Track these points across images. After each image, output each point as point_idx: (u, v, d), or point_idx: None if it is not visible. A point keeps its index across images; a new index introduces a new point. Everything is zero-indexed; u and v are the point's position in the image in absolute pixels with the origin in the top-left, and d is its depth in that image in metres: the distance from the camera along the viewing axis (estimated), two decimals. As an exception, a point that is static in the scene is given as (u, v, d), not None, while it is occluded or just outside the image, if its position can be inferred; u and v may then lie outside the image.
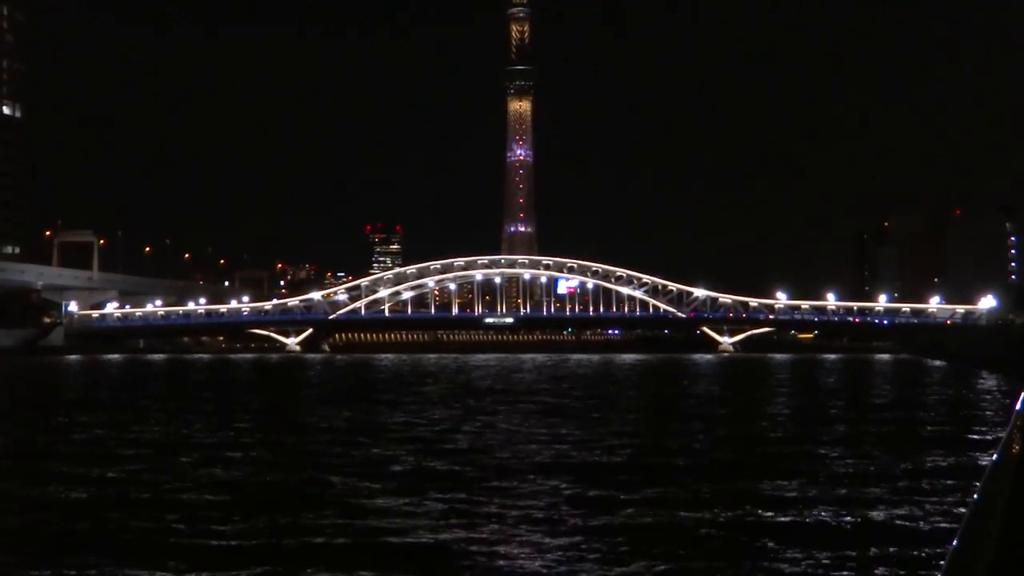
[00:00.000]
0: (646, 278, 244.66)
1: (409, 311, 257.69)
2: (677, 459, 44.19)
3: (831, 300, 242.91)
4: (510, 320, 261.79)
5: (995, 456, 7.64)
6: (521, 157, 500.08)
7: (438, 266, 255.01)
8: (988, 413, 69.21)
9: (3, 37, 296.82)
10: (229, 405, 76.80)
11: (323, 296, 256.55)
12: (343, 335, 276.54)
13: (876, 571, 24.53)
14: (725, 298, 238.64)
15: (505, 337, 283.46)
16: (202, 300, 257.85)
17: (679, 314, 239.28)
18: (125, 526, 29.67)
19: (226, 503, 33.22)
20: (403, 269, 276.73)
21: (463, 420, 63.10)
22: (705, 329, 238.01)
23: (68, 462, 43.57)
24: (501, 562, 25.15)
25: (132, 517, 30.85)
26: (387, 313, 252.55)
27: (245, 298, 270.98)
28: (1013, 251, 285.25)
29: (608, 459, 44.29)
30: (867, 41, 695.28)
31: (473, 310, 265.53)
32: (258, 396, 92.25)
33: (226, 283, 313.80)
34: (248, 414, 69.44)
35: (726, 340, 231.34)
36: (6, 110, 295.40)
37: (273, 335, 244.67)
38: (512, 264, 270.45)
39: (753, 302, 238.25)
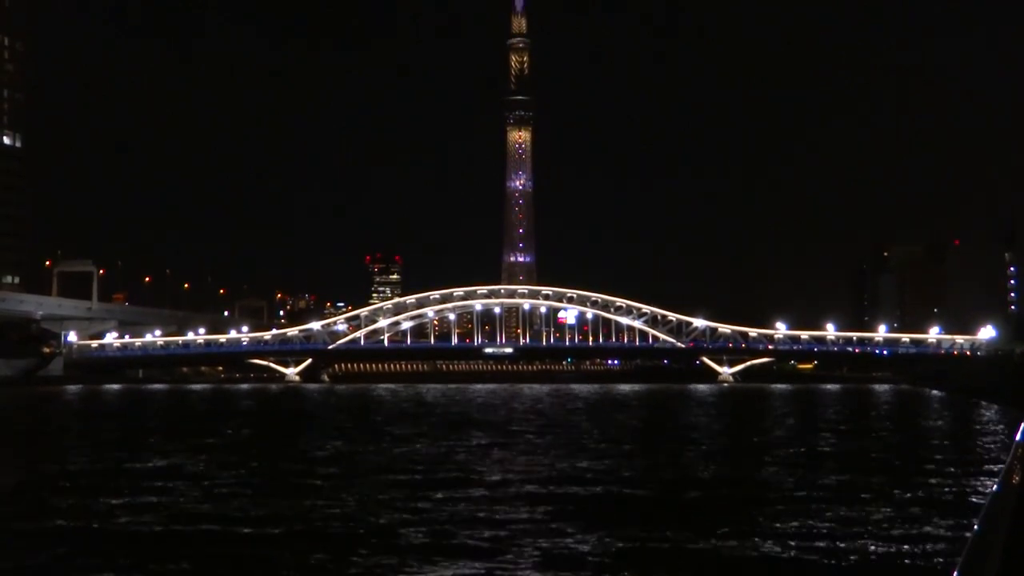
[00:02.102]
0: (646, 308, 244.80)
1: (408, 341, 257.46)
2: (670, 494, 44.08)
3: (830, 330, 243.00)
4: (510, 350, 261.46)
5: (995, 486, 7.67)
6: (521, 187, 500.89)
7: (437, 296, 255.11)
8: (989, 444, 69.11)
9: (3, 67, 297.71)
10: (225, 437, 76.69)
11: (322, 326, 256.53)
12: (342, 365, 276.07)
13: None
14: (724, 328, 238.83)
15: (505, 367, 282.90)
16: (201, 330, 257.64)
17: (679, 344, 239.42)
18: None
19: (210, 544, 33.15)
20: (403, 299, 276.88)
21: (454, 453, 63.02)
22: (704, 359, 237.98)
23: (50, 496, 43.49)
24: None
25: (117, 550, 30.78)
26: (386, 343, 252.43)
27: (244, 328, 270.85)
28: (1012, 281, 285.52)
29: (588, 493, 44.17)
30: (866, 67, 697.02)
31: (473, 340, 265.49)
32: (256, 428, 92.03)
33: (225, 313, 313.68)
34: (244, 447, 69.35)
35: (725, 370, 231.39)
36: (6, 140, 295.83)
37: (272, 365, 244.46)
38: (512, 294, 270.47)
39: (752, 332, 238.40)
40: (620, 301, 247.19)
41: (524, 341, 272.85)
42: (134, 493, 43.01)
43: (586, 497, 41.53)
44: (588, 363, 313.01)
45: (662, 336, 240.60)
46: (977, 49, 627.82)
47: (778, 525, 34.35)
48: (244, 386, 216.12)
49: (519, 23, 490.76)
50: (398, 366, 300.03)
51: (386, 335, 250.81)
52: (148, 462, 56.53)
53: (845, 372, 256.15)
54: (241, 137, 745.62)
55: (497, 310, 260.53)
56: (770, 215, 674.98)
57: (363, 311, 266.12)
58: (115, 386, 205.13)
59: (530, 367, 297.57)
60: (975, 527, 6.48)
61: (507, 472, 50.93)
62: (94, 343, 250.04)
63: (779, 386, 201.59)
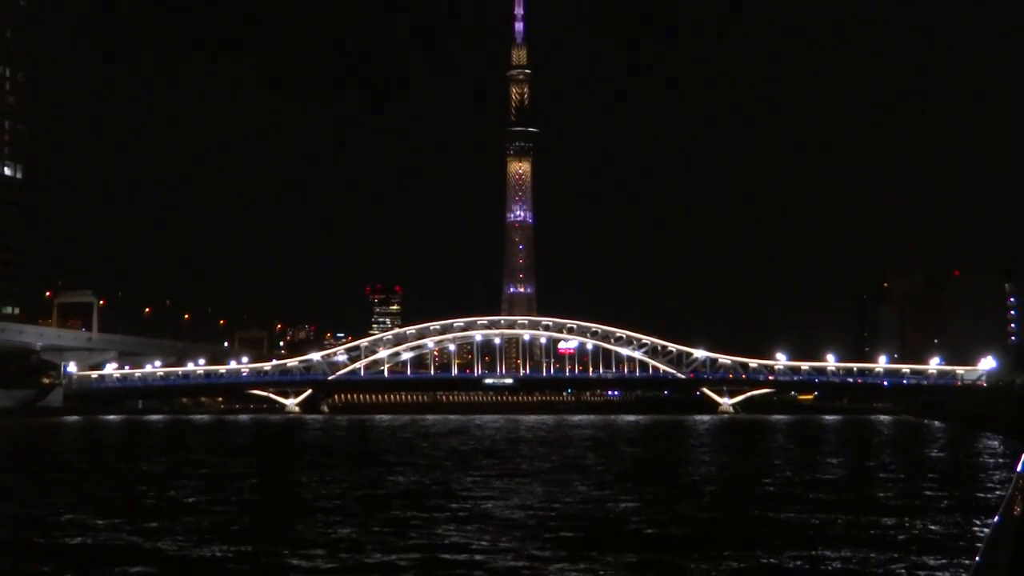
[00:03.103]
0: (646, 339, 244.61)
1: (408, 372, 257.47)
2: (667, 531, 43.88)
3: (831, 361, 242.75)
4: (510, 381, 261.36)
5: (996, 518, 7.63)
6: (521, 218, 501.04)
7: (438, 327, 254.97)
8: (990, 475, 68.90)
9: (5, 98, 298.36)
10: (225, 469, 76.42)
11: (322, 357, 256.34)
12: (342, 396, 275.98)
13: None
14: (725, 359, 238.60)
15: (505, 398, 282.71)
16: (201, 361, 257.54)
17: (679, 375, 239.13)
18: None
19: None
20: (403, 330, 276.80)
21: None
22: (705, 390, 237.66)
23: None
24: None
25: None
26: (386, 374, 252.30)
27: (244, 359, 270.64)
28: (1012, 312, 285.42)
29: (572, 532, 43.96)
30: (866, 100, 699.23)
31: (473, 371, 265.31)
32: (255, 460, 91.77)
33: (225, 343, 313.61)
34: (243, 479, 69.10)
35: (726, 401, 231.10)
36: (7, 170, 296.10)
37: (272, 396, 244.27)
38: (512, 325, 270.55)
39: (753, 363, 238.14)
40: (620, 332, 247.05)
41: (524, 372, 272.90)
42: (128, 531, 42.75)
43: (585, 532, 41.35)
44: (588, 394, 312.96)
45: (662, 367, 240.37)
46: (978, 83, 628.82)
47: (779, 560, 34.20)
48: (244, 417, 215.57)
49: (519, 55, 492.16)
50: (398, 397, 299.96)
51: (386, 366, 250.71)
52: (144, 497, 56.25)
53: (845, 403, 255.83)
54: (242, 169, 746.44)
55: (497, 341, 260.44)
56: (770, 246, 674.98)
57: (363, 342, 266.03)
58: (114, 417, 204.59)
59: (530, 398, 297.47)
60: (976, 558, 6.45)
61: (506, 504, 50.72)
62: (94, 374, 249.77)
63: (779, 417, 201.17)
